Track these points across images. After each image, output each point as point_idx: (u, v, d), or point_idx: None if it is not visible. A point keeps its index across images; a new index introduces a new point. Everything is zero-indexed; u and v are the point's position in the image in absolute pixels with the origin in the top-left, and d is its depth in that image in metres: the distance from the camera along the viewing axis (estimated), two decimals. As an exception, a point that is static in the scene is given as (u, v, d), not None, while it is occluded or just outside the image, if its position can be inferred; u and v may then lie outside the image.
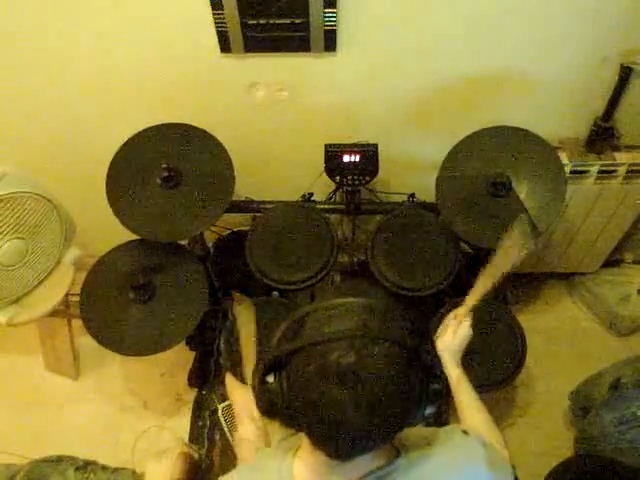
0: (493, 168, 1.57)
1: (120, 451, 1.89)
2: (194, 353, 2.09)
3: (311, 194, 1.85)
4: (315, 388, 0.68)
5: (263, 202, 1.87)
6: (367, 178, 1.70)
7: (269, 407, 0.75)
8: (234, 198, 1.63)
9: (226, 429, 1.57)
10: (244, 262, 1.67)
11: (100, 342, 1.62)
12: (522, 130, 1.59)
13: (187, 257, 1.74)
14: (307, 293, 1.89)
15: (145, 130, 1.63)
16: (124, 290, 1.64)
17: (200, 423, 1.72)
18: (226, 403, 1.58)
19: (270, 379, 0.74)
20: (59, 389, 2.20)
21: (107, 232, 1.69)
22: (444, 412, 1.56)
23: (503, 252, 1.25)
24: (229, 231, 2.11)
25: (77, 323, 1.97)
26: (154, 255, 1.70)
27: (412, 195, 1.84)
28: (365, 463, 0.77)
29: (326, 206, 1.85)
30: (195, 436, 1.72)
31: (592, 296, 2.26)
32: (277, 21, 1.48)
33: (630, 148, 1.81)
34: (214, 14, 1.47)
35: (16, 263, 1.62)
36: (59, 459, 1.48)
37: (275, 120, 1.79)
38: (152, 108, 1.74)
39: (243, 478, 0.87)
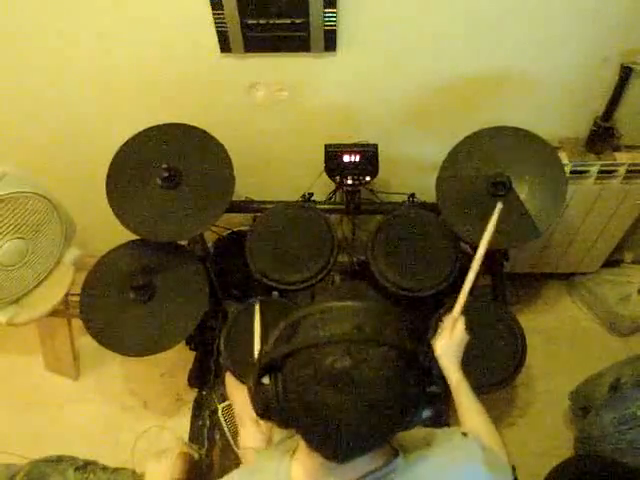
0: (493, 168, 1.57)
1: (120, 451, 1.89)
2: (194, 353, 2.08)
3: (311, 194, 1.85)
4: (310, 391, 0.68)
5: (263, 202, 1.87)
6: (367, 178, 1.69)
7: (265, 409, 0.75)
8: (234, 198, 1.63)
9: (226, 429, 1.57)
10: (244, 262, 1.67)
11: (100, 342, 1.62)
12: (522, 130, 1.59)
13: (187, 257, 1.74)
14: (307, 293, 1.89)
15: (145, 130, 1.63)
16: (124, 290, 1.64)
17: (200, 423, 1.72)
18: (226, 403, 1.59)
19: (266, 381, 0.74)
20: (59, 389, 2.20)
21: (107, 232, 1.69)
22: (443, 414, 1.57)
23: (483, 243, 1.30)
24: (229, 231, 2.11)
25: (77, 323, 1.97)
26: (154, 255, 1.70)
27: (412, 195, 1.84)
28: (363, 464, 0.77)
29: (326, 206, 1.84)
30: (195, 436, 1.73)
31: (592, 296, 2.26)
32: (277, 21, 1.48)
33: (630, 148, 1.81)
34: (214, 14, 1.47)
35: (16, 263, 1.62)
36: (59, 459, 1.49)
37: (275, 120, 1.79)
38: (152, 108, 1.74)
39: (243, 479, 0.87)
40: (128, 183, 1.59)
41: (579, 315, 2.31)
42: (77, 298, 1.68)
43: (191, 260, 1.73)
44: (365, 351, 0.68)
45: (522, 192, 1.55)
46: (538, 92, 1.69)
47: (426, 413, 0.75)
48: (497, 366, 1.60)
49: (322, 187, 1.87)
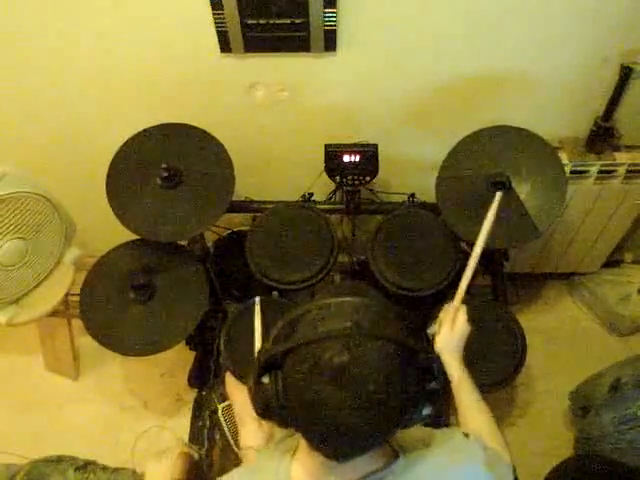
0: (493, 168, 1.57)
1: (120, 451, 1.88)
2: (194, 353, 2.08)
3: (311, 194, 1.85)
4: (309, 388, 0.68)
5: (263, 202, 1.87)
6: (367, 178, 1.69)
7: (265, 408, 0.75)
8: (234, 198, 1.63)
9: (226, 429, 1.57)
10: (244, 262, 1.67)
11: (100, 342, 1.62)
12: (522, 130, 1.59)
13: (187, 257, 1.74)
14: (307, 293, 1.88)
15: (145, 130, 1.63)
16: (124, 290, 1.64)
17: (200, 423, 1.72)
18: (226, 403, 1.58)
19: (265, 380, 0.74)
20: (59, 389, 2.20)
21: (107, 232, 1.69)
22: (444, 412, 1.56)
23: (482, 236, 1.29)
24: (229, 231, 2.11)
25: (77, 323, 1.97)
26: (154, 255, 1.70)
27: (412, 195, 1.84)
28: (363, 465, 0.77)
29: (326, 206, 1.84)
30: (195, 436, 1.72)
31: (592, 296, 2.26)
32: (277, 21, 1.48)
33: (630, 148, 1.81)
34: (214, 14, 1.47)
35: (16, 263, 1.62)
36: (59, 459, 1.48)
37: (275, 120, 1.79)
38: (152, 108, 1.74)
39: (243, 479, 0.87)
40: (128, 183, 1.59)
41: (579, 315, 2.31)
42: (77, 298, 1.68)
43: (191, 260, 1.73)
44: (364, 346, 0.67)
45: (522, 192, 1.55)
46: (538, 92, 1.69)
47: (426, 411, 0.75)
48: (497, 366, 1.60)
49: (322, 187, 1.87)
